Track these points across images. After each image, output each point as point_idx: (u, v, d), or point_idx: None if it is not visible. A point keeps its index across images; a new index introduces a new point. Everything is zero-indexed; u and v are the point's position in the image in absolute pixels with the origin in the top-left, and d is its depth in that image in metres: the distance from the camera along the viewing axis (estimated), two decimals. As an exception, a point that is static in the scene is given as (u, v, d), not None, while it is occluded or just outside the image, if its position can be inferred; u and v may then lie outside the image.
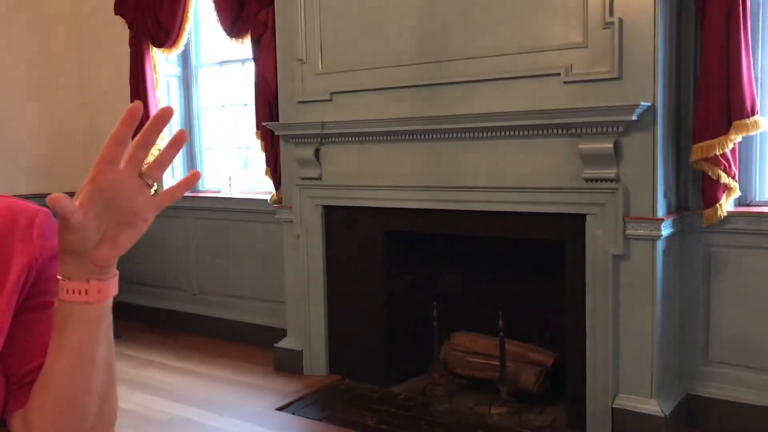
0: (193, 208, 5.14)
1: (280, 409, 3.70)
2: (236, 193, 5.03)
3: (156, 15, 4.91)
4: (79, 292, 0.81)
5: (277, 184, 4.38)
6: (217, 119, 5.29)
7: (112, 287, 0.83)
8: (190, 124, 5.33)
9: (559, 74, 3.16)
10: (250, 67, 4.54)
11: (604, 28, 3.04)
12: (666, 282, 3.16)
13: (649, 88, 2.99)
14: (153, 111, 5.04)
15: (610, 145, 3.04)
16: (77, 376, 0.86)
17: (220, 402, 3.85)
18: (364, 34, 3.76)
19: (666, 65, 3.08)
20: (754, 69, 3.08)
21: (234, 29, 4.54)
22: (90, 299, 0.81)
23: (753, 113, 3.03)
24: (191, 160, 5.35)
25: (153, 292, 5.44)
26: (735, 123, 3.04)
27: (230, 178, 5.13)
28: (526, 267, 3.79)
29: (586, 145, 3.09)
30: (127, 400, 3.84)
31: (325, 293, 4.08)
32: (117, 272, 0.84)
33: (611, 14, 3.02)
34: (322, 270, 4.07)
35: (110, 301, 0.85)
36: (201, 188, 5.34)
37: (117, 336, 4.98)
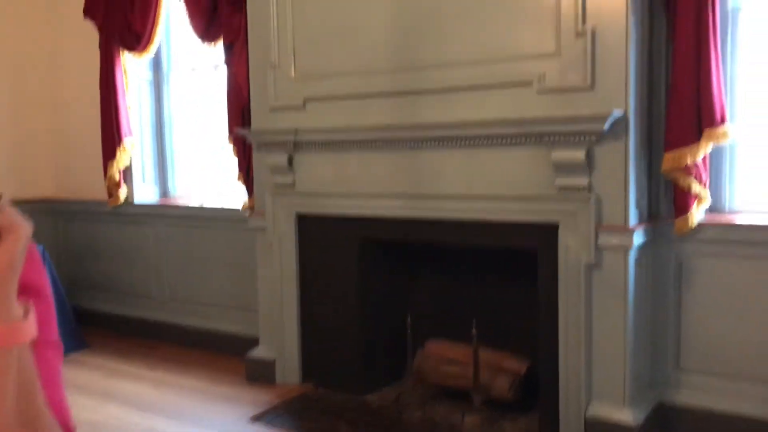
0: (164, 215, 5.07)
1: (254, 419, 3.66)
2: (208, 200, 4.97)
3: (126, 18, 4.83)
4: None
5: (250, 190, 4.32)
6: (189, 124, 5.22)
7: (9, 335, 0.76)
8: (161, 129, 5.26)
9: (532, 83, 3.17)
10: (223, 72, 4.48)
11: (577, 37, 3.04)
12: (638, 290, 3.17)
13: (621, 98, 3.00)
14: (123, 115, 4.97)
15: (583, 155, 3.05)
16: None
17: (191, 413, 3.79)
18: (338, 40, 3.73)
19: (638, 74, 3.09)
20: (723, 77, 3.10)
21: (207, 33, 4.49)
22: None
23: (722, 121, 3.05)
24: (162, 166, 5.28)
25: (123, 300, 5.35)
26: (706, 131, 3.06)
27: (202, 184, 5.07)
28: (499, 275, 3.79)
29: (559, 154, 3.10)
30: (97, 411, 3.77)
31: (298, 302, 4.04)
32: (21, 318, 0.78)
33: (584, 23, 3.03)
34: (296, 278, 4.03)
35: (16, 351, 0.77)
36: (173, 194, 5.27)
37: (86, 345, 4.93)
